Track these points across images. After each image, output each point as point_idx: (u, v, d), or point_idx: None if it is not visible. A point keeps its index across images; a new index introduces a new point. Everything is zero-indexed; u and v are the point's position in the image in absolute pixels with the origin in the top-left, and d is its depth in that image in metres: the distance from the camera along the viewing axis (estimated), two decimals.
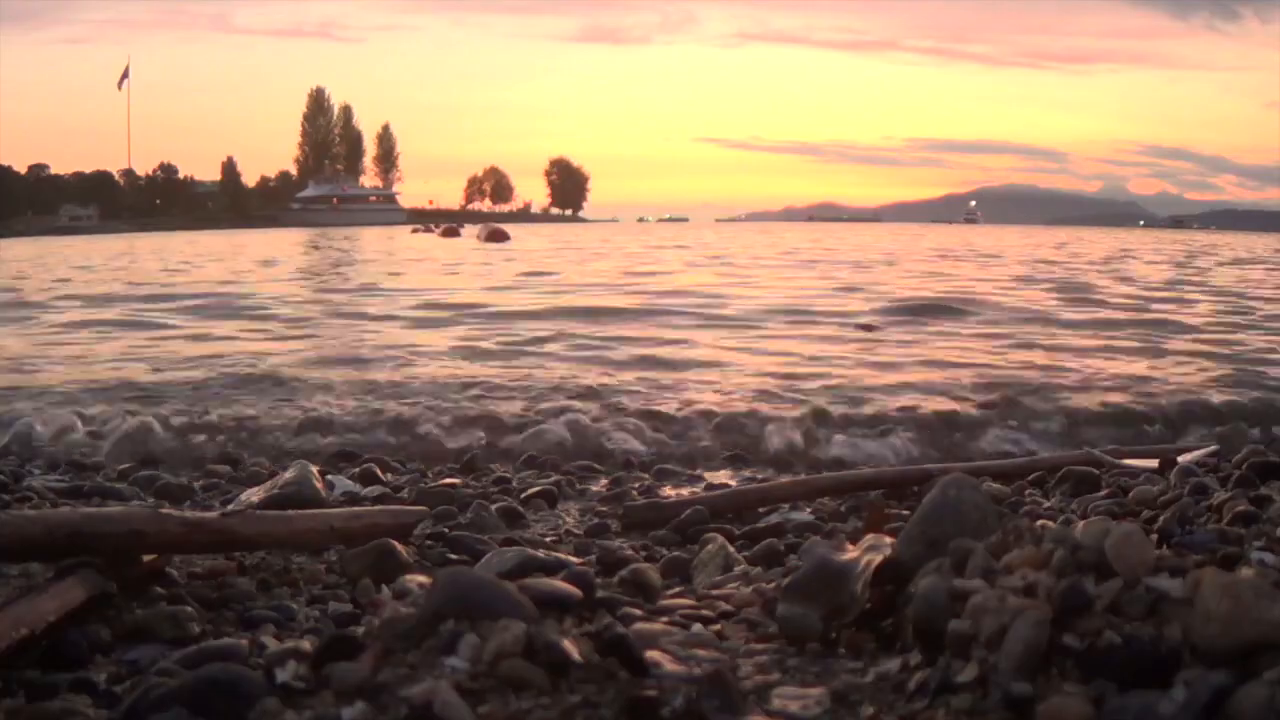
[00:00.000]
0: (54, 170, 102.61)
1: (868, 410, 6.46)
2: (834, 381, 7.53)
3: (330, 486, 4.14)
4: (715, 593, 2.39)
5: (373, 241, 45.72)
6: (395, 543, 2.93)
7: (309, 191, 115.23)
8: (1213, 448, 4.40)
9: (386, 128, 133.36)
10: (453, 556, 3.08)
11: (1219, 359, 8.89)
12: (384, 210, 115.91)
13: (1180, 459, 4.11)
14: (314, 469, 4.03)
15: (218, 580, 2.63)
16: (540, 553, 2.89)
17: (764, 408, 6.48)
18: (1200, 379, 7.77)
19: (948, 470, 3.27)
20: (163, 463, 5.26)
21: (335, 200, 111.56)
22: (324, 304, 14.79)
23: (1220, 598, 1.46)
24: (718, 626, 2.06)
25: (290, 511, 3.01)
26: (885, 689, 1.66)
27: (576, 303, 14.13)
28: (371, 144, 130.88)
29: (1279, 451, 4.08)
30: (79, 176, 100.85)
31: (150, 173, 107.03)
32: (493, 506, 3.98)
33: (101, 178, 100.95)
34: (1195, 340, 10.44)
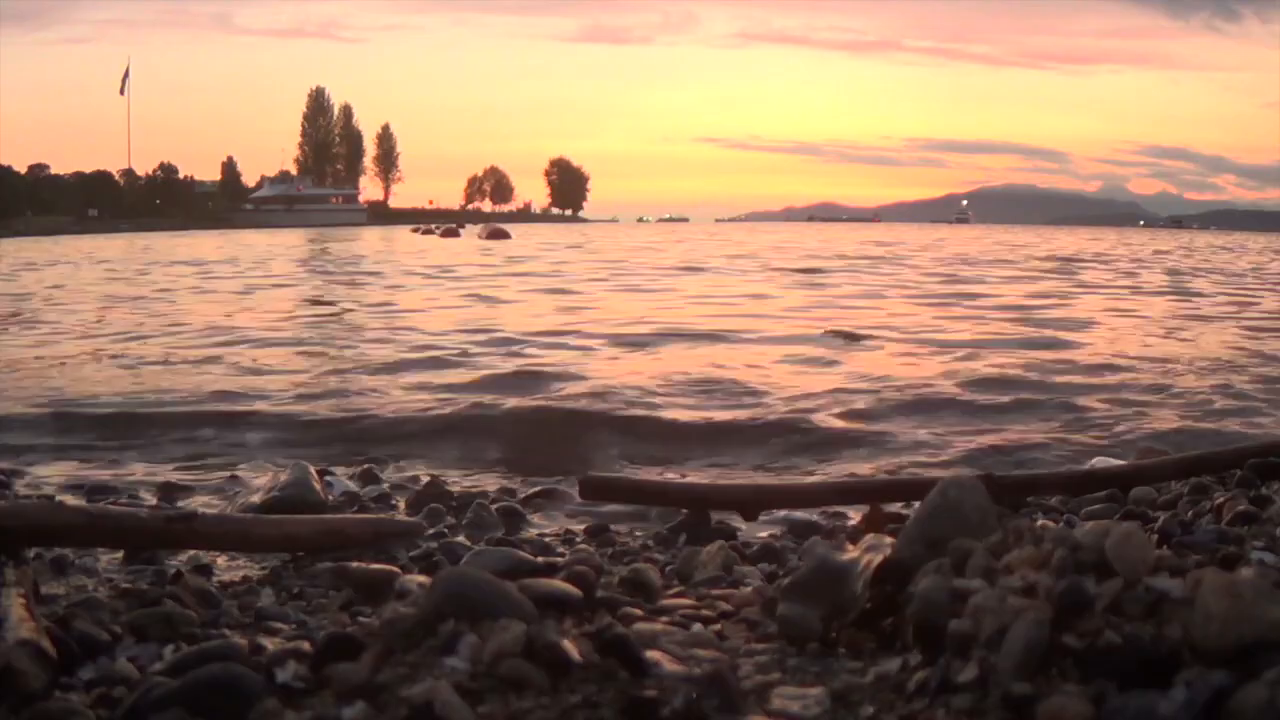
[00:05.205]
0: (54, 170, 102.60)
1: None
2: None
3: (329, 487, 4.13)
4: (715, 592, 2.39)
5: (397, 244, 45.62)
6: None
7: (263, 192, 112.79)
8: None
9: (386, 128, 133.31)
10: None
11: None
12: (343, 210, 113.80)
13: None
14: (313, 470, 4.03)
15: None
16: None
17: None
18: None
19: None
20: None
21: (290, 200, 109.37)
22: None
23: (1220, 598, 1.46)
24: (718, 626, 2.06)
25: (246, 515, 3.02)
26: (885, 689, 1.66)
27: None
28: (371, 144, 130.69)
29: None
30: (79, 176, 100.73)
31: (150, 173, 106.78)
32: (493, 506, 3.98)
33: (101, 178, 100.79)
34: None
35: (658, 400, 6.77)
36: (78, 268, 25.59)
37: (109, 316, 12.28)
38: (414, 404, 6.55)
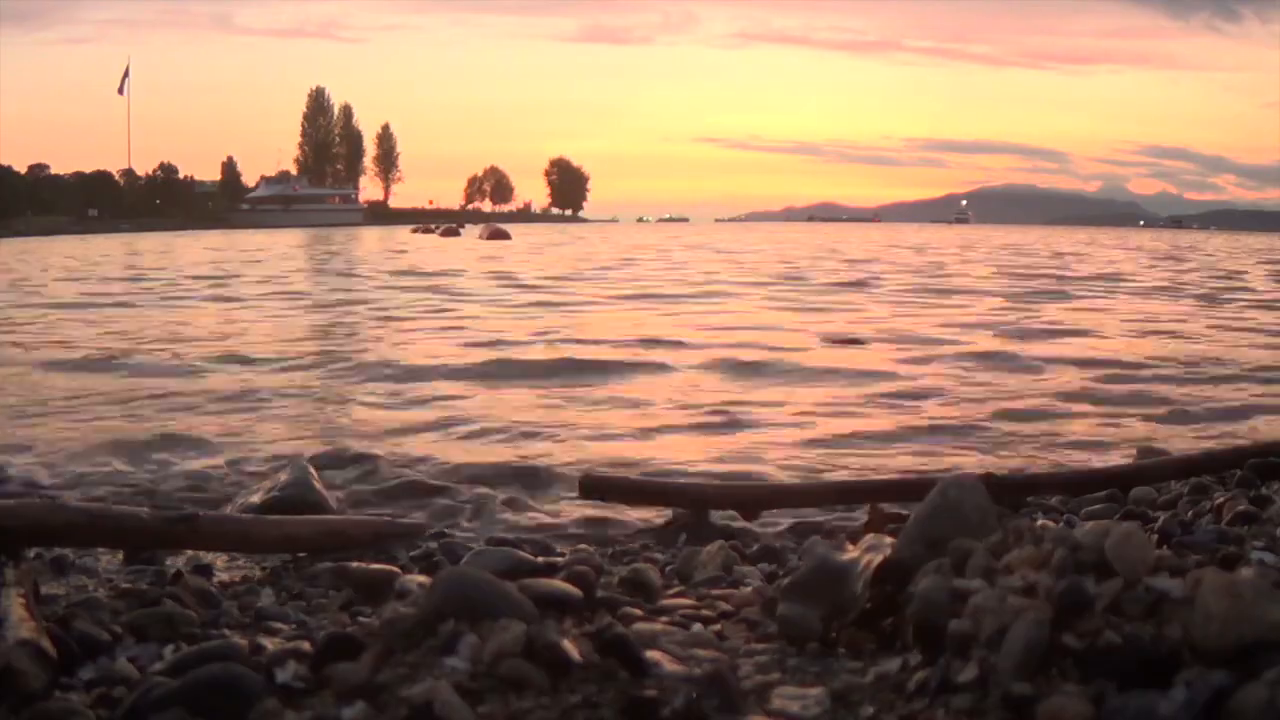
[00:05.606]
0: (54, 170, 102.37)
1: None
2: None
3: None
4: (715, 592, 2.39)
5: (396, 245, 45.70)
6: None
7: (260, 192, 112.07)
8: None
9: (386, 128, 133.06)
10: None
11: None
12: (340, 210, 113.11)
13: None
14: (313, 470, 4.03)
15: None
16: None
17: None
18: None
19: None
20: None
21: (287, 201, 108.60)
22: None
23: (1220, 598, 1.46)
24: (718, 626, 2.06)
25: (248, 516, 3.01)
26: (885, 689, 1.66)
27: None
28: (371, 144, 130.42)
29: None
30: (79, 176, 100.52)
31: (150, 173, 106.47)
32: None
33: (101, 178, 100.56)
34: None
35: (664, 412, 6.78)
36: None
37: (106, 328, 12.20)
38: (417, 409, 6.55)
